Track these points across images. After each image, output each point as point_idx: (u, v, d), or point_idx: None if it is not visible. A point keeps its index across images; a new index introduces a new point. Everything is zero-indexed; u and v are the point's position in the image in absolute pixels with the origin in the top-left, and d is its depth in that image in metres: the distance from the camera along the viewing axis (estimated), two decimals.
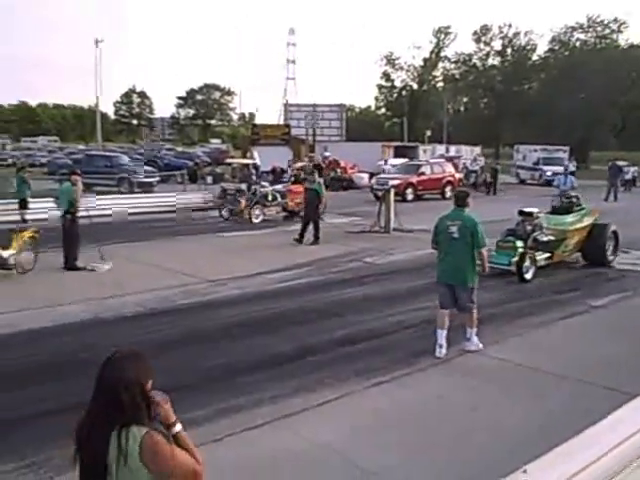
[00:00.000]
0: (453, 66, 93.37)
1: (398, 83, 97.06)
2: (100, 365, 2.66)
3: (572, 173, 25.69)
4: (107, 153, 39.70)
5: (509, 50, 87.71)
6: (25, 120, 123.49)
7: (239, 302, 10.95)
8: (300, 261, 14.46)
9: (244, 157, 40.96)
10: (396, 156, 42.97)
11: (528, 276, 12.47)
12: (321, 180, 18.43)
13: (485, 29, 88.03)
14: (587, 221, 14.39)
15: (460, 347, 8.32)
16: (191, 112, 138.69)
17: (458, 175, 34.17)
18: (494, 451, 5.57)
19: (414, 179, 31.03)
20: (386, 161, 39.53)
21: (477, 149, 54.91)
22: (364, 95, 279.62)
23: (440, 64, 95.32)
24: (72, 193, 13.30)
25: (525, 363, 7.95)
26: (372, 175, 35.85)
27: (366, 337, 8.91)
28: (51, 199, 16.14)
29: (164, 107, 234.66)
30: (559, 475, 3.61)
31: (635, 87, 72.43)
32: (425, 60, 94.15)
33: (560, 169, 32.15)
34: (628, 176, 38.52)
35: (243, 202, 21.43)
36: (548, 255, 13.43)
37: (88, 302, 10.61)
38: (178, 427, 2.67)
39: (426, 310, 9.61)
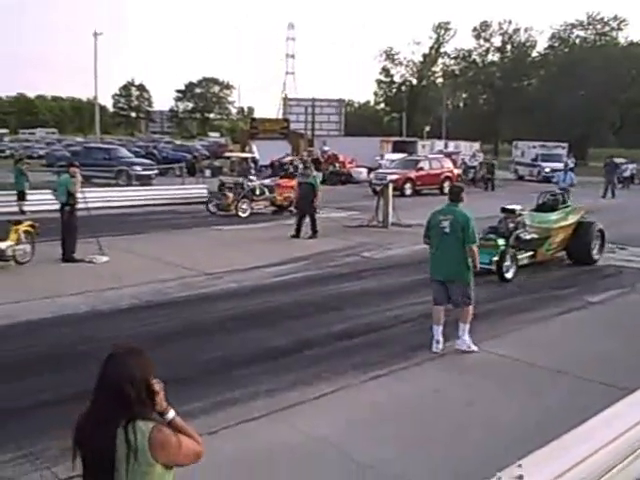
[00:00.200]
0: (452, 62, 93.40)
1: (397, 78, 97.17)
2: (103, 361, 2.63)
3: (571, 170, 25.69)
4: (105, 146, 39.62)
5: (509, 46, 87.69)
6: (23, 112, 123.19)
7: (236, 295, 10.95)
8: (298, 255, 14.47)
9: (243, 151, 40.97)
10: (395, 151, 42.99)
11: (509, 275, 12.10)
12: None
13: (485, 25, 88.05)
14: (572, 219, 14.12)
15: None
16: (190, 105, 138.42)
17: (456, 171, 34.21)
18: (490, 446, 5.58)
19: (412, 174, 31.05)
20: (382, 156, 39.48)
21: (476, 145, 54.91)
22: (363, 90, 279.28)
23: (440, 60, 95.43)
24: (70, 185, 13.29)
25: (522, 358, 7.97)
26: (370, 170, 35.89)
27: (363, 331, 8.93)
28: (49, 191, 16.10)
29: (163, 100, 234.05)
30: (554, 470, 3.64)
31: (635, 85, 72.43)
32: (425, 56, 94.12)
33: (559, 166, 32.23)
34: (626, 173, 38.53)
35: (230, 196, 21.21)
36: (531, 254, 13.14)
37: (86, 294, 10.61)
38: (171, 414, 2.67)
39: (423, 305, 9.61)
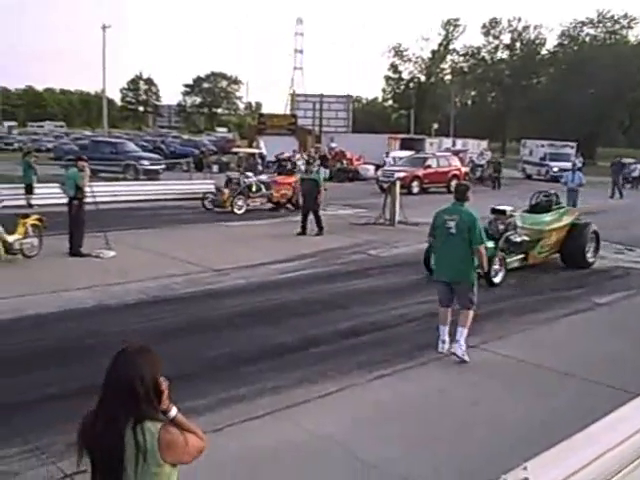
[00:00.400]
0: (461, 59, 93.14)
1: (406, 75, 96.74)
2: (112, 359, 2.62)
3: (579, 169, 25.56)
4: (113, 140, 39.69)
5: (518, 44, 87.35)
6: (32, 105, 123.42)
7: (243, 292, 10.96)
8: (304, 252, 14.46)
9: (250, 146, 40.95)
10: (402, 149, 42.87)
11: (497, 280, 11.56)
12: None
13: (494, 22, 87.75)
14: (566, 220, 13.69)
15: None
16: (198, 100, 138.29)
17: (464, 169, 34.10)
18: (495, 446, 5.59)
19: (420, 172, 30.98)
20: (388, 153, 39.33)
21: (484, 143, 54.79)
22: (371, 86, 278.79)
23: (448, 57, 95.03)
24: (79, 179, 13.32)
25: (528, 359, 7.94)
26: (378, 167, 35.82)
27: (369, 329, 8.93)
28: (57, 184, 16.14)
29: (171, 94, 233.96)
30: (559, 472, 3.63)
31: None
32: (433, 52, 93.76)
33: (567, 165, 32.07)
34: (635, 173, 38.30)
35: (226, 192, 21.03)
36: (522, 257, 12.75)
37: (92, 289, 10.64)
38: (174, 411, 2.66)
39: (429, 303, 9.59)
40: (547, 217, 13.62)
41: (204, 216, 20.01)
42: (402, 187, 22.30)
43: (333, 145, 41.62)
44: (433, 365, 7.70)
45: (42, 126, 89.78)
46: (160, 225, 17.84)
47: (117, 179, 27.71)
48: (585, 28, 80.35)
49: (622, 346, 8.51)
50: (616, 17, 78.22)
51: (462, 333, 7.80)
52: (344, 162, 38.12)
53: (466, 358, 7.71)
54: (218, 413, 6.10)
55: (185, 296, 10.54)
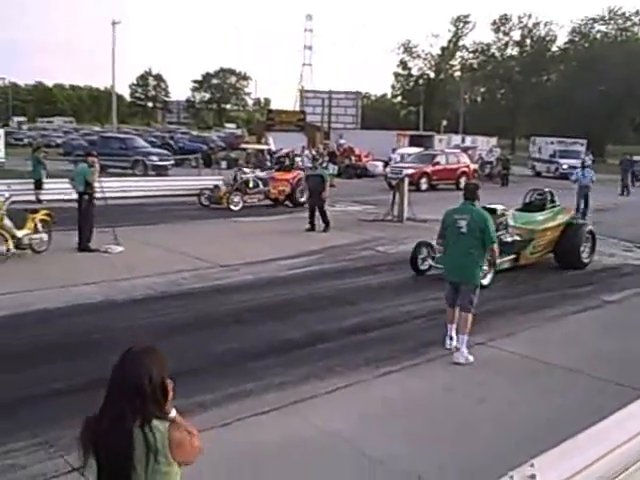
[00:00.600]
0: (471, 55, 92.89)
1: (415, 71, 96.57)
2: (119, 358, 2.60)
3: (590, 167, 25.35)
4: (122, 135, 39.78)
5: (528, 41, 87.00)
6: (42, 100, 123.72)
7: (251, 288, 10.97)
8: (313, 248, 14.46)
9: (259, 142, 41.01)
10: (411, 145, 42.77)
11: (485, 282, 10.55)
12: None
13: (504, 19, 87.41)
14: (561, 219, 13.27)
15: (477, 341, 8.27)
16: (207, 96, 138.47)
17: (473, 166, 33.98)
18: (501, 443, 5.57)
19: (429, 169, 30.89)
20: (394, 150, 39.19)
21: (493, 140, 54.55)
22: (380, 83, 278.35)
23: (458, 53, 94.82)
24: (88, 174, 13.36)
25: (536, 357, 7.92)
26: (386, 163, 35.75)
27: (377, 326, 8.92)
28: (66, 180, 16.19)
29: (180, 90, 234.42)
30: (566, 470, 3.62)
31: None
32: (443, 49, 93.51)
33: (576, 162, 31.86)
34: None
35: (222, 189, 20.85)
36: (513, 257, 12.37)
37: (100, 284, 10.67)
38: (173, 413, 2.64)
39: (436, 300, 9.57)
40: (540, 216, 13.20)
41: (212, 212, 20.01)
42: (410, 184, 22.28)
43: (342, 141, 41.61)
44: (440, 362, 7.68)
45: (51, 122, 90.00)
46: (168, 221, 17.87)
47: (126, 175, 27.78)
48: (596, 25, 80.00)
49: (631, 344, 8.47)
50: (627, 14, 77.95)
51: (463, 340, 7.69)
52: (353, 158, 38.10)
53: (470, 359, 7.62)
54: (225, 408, 6.11)
55: (193, 291, 10.56)
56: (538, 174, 43.24)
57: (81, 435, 2.59)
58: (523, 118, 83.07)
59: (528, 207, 13.70)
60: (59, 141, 51.11)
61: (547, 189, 14.04)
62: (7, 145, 33.95)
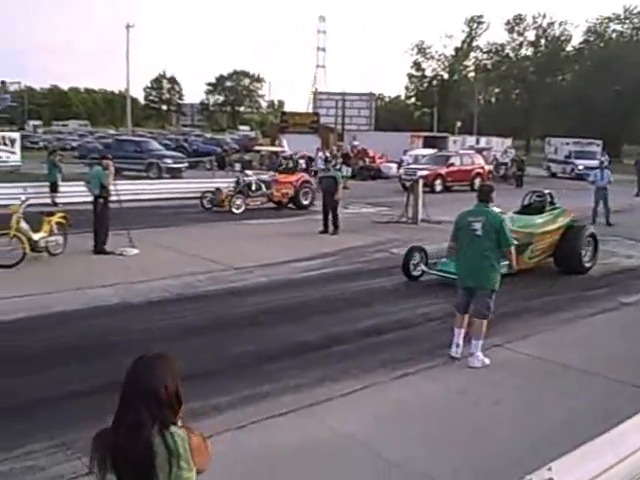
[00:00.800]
0: (485, 56, 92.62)
1: (429, 72, 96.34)
2: (132, 365, 2.56)
3: (607, 167, 25.08)
4: (136, 138, 39.96)
5: (543, 41, 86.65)
6: (57, 104, 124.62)
7: (266, 290, 10.98)
8: (327, 250, 14.47)
9: (272, 145, 41.05)
10: (425, 147, 42.67)
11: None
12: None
13: (518, 19, 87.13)
14: (561, 222, 12.74)
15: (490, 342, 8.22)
16: (220, 98, 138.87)
17: (487, 167, 33.84)
18: (516, 446, 5.55)
19: (443, 170, 30.82)
20: (406, 151, 39.06)
21: (508, 141, 54.31)
22: (394, 84, 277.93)
23: (472, 54, 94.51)
24: (103, 177, 13.44)
25: (551, 359, 7.87)
26: (400, 165, 35.67)
27: (392, 328, 8.91)
28: (81, 183, 16.30)
29: (194, 93, 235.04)
30: (584, 474, 3.60)
31: None
32: (457, 49, 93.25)
33: (592, 163, 31.64)
34: None
35: (224, 192, 20.68)
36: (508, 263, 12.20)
37: (116, 286, 10.73)
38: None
39: (451, 303, 9.53)
40: (539, 219, 12.65)
41: (216, 215, 19.94)
42: (425, 185, 22.22)
43: (355, 143, 41.55)
44: (455, 364, 7.65)
45: (67, 125, 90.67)
46: (183, 223, 17.94)
47: (140, 177, 27.90)
48: (611, 24, 79.62)
49: None
50: None
51: (477, 346, 7.58)
52: (366, 160, 38.06)
53: (487, 361, 7.57)
54: (241, 410, 6.12)
55: (208, 294, 10.60)
56: (553, 175, 43.02)
57: (95, 449, 2.54)
58: (538, 118, 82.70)
59: (527, 209, 13.22)
60: (74, 144, 51.35)
61: (547, 190, 13.60)
62: (23, 148, 34.13)
